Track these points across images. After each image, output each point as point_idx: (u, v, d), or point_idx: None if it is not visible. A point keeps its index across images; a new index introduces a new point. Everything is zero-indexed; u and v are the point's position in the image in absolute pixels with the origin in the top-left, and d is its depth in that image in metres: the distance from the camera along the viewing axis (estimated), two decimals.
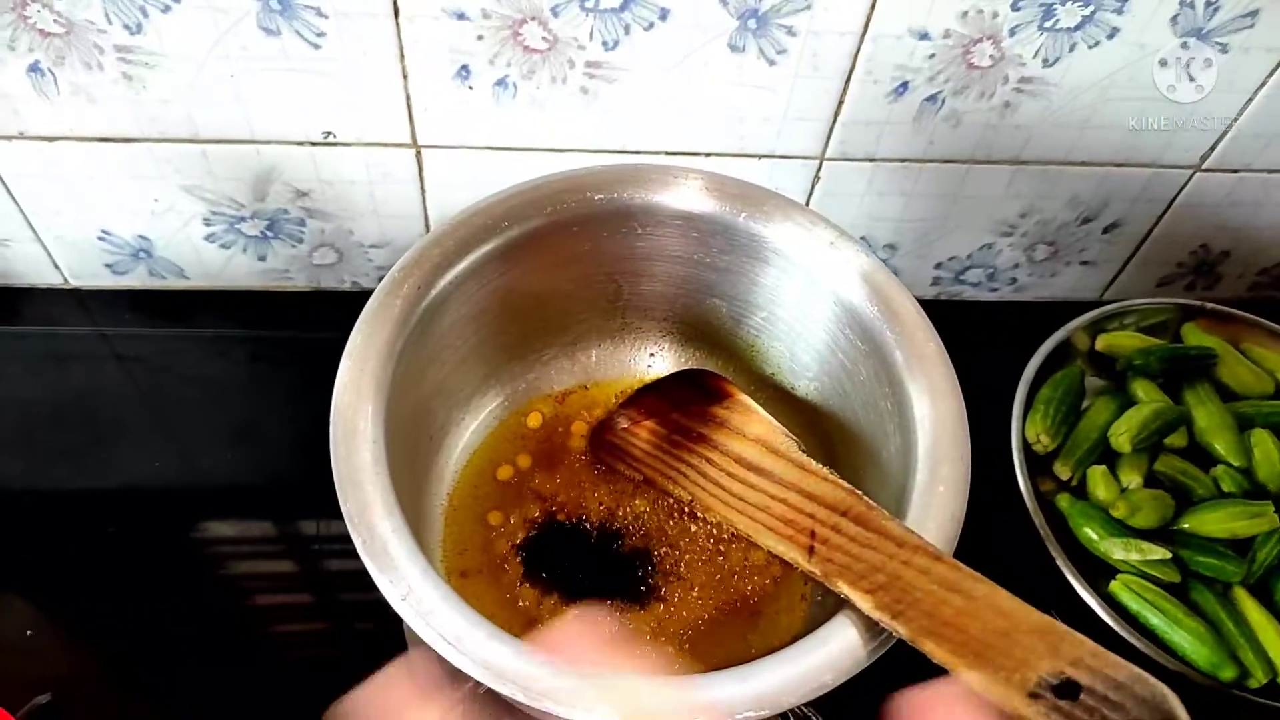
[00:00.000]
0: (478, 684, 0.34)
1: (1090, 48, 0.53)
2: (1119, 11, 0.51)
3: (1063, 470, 0.55)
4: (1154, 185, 0.62)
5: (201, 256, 0.63)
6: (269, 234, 0.62)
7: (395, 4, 0.49)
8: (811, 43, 0.52)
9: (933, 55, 0.53)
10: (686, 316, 0.54)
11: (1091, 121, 0.57)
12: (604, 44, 0.51)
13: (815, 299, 0.47)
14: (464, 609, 0.34)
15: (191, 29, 0.49)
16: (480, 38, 0.51)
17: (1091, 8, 0.51)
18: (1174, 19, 0.52)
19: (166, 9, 0.48)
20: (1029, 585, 0.54)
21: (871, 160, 0.59)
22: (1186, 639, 0.48)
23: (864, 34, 0.51)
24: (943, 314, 0.45)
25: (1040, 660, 0.29)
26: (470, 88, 0.53)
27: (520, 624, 0.46)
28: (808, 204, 0.62)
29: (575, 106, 0.55)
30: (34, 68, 0.51)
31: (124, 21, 0.49)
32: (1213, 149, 0.60)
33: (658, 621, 0.47)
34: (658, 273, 0.51)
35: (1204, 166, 0.61)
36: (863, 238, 0.63)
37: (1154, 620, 0.49)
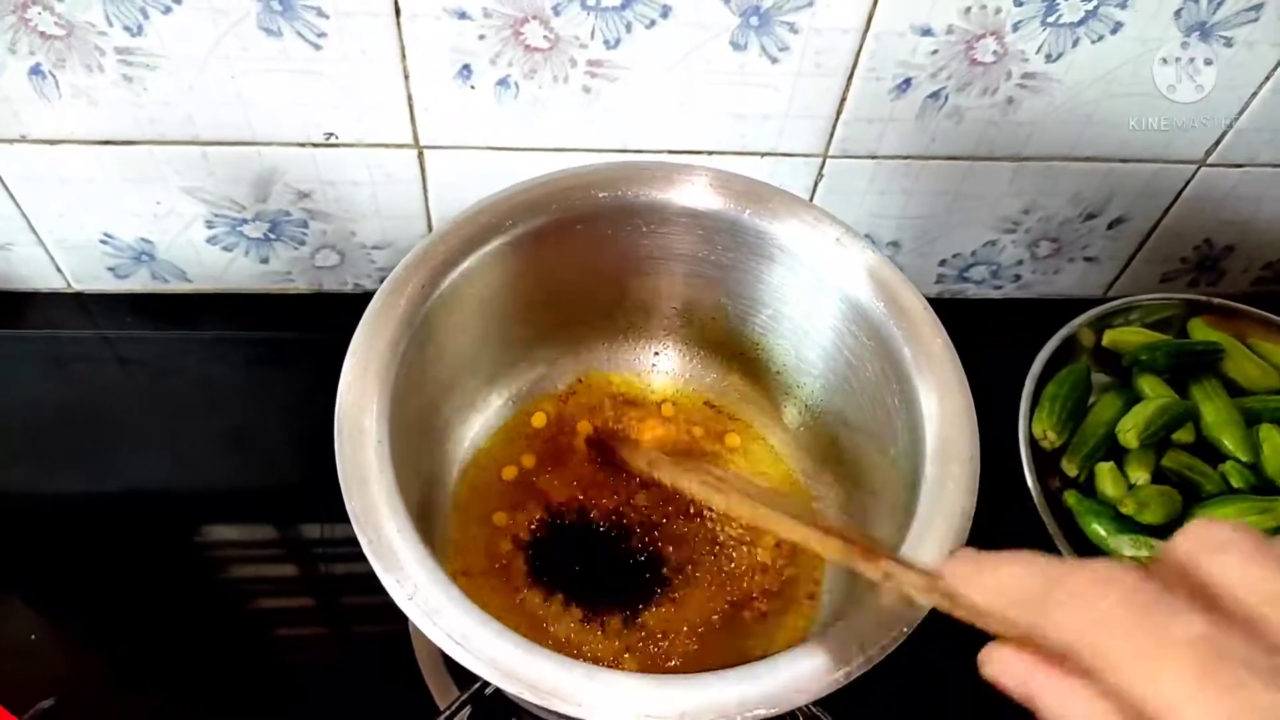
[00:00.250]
0: (485, 683, 0.34)
1: (1094, 42, 0.53)
2: (1122, 6, 0.51)
3: (1070, 467, 0.55)
4: (1158, 180, 0.62)
5: (203, 259, 0.63)
6: (271, 236, 0.62)
7: (396, 4, 0.49)
8: (814, 40, 0.52)
9: (935, 51, 0.53)
10: (692, 314, 0.54)
11: (1095, 117, 0.57)
12: (605, 42, 0.51)
13: (821, 296, 0.47)
14: (470, 608, 0.34)
15: (192, 30, 0.49)
16: (482, 37, 0.50)
17: (1095, 2, 0.51)
18: (1178, 13, 0.52)
19: (167, 10, 0.48)
20: None
21: (874, 158, 0.59)
22: None
23: (866, 30, 0.51)
24: (947, 312, 0.44)
25: None
26: (472, 87, 0.53)
27: (525, 624, 0.46)
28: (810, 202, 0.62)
29: (577, 105, 0.54)
30: (35, 70, 0.51)
31: (124, 23, 0.49)
32: (1217, 143, 0.60)
33: (664, 620, 0.47)
34: (663, 270, 0.51)
35: (1208, 161, 0.61)
36: (866, 235, 0.63)
37: None
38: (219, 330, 0.65)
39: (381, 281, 0.43)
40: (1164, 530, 0.52)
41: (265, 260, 0.64)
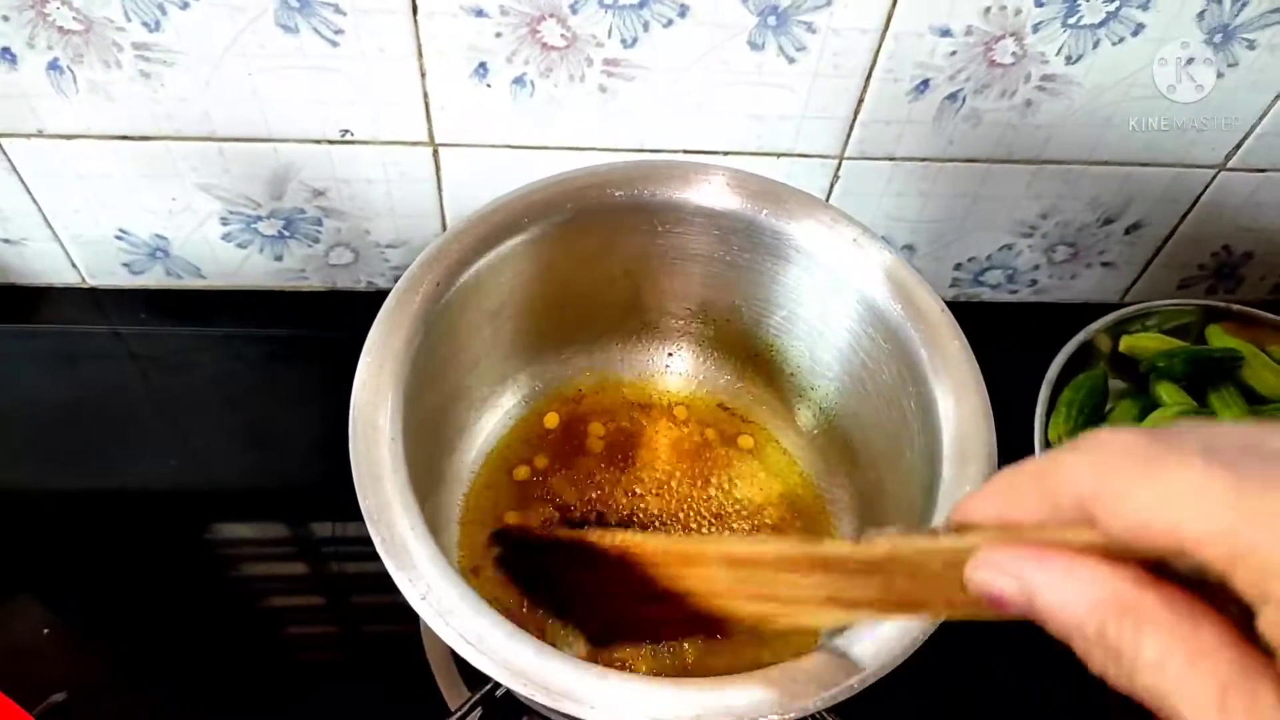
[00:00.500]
0: (497, 684, 0.33)
1: (1114, 44, 0.52)
2: (1144, 7, 0.51)
3: None
4: (1177, 185, 0.62)
5: (218, 256, 0.63)
6: (285, 233, 0.62)
7: (414, 1, 0.49)
8: (832, 40, 0.51)
9: (954, 53, 0.52)
10: (706, 315, 0.53)
11: (1114, 120, 0.57)
12: (623, 41, 0.51)
13: (838, 297, 0.47)
14: (484, 608, 0.34)
15: (210, 26, 0.49)
16: (499, 35, 0.50)
17: (1116, 3, 0.50)
18: (1200, 15, 0.51)
19: (185, 6, 0.48)
20: None
21: (891, 159, 0.59)
22: None
23: (885, 31, 0.51)
24: (962, 315, 0.44)
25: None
26: (488, 85, 0.53)
27: (536, 625, 0.46)
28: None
29: (593, 104, 0.54)
30: (53, 65, 0.51)
31: (142, 19, 0.49)
32: (1238, 147, 0.59)
33: None
34: (678, 271, 0.51)
35: (1228, 166, 0.60)
36: (881, 237, 0.62)
37: None
38: (232, 327, 0.65)
39: (395, 280, 0.43)
40: None
41: (279, 257, 0.64)
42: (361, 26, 0.49)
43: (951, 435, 0.40)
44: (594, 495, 0.50)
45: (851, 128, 0.56)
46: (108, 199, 0.59)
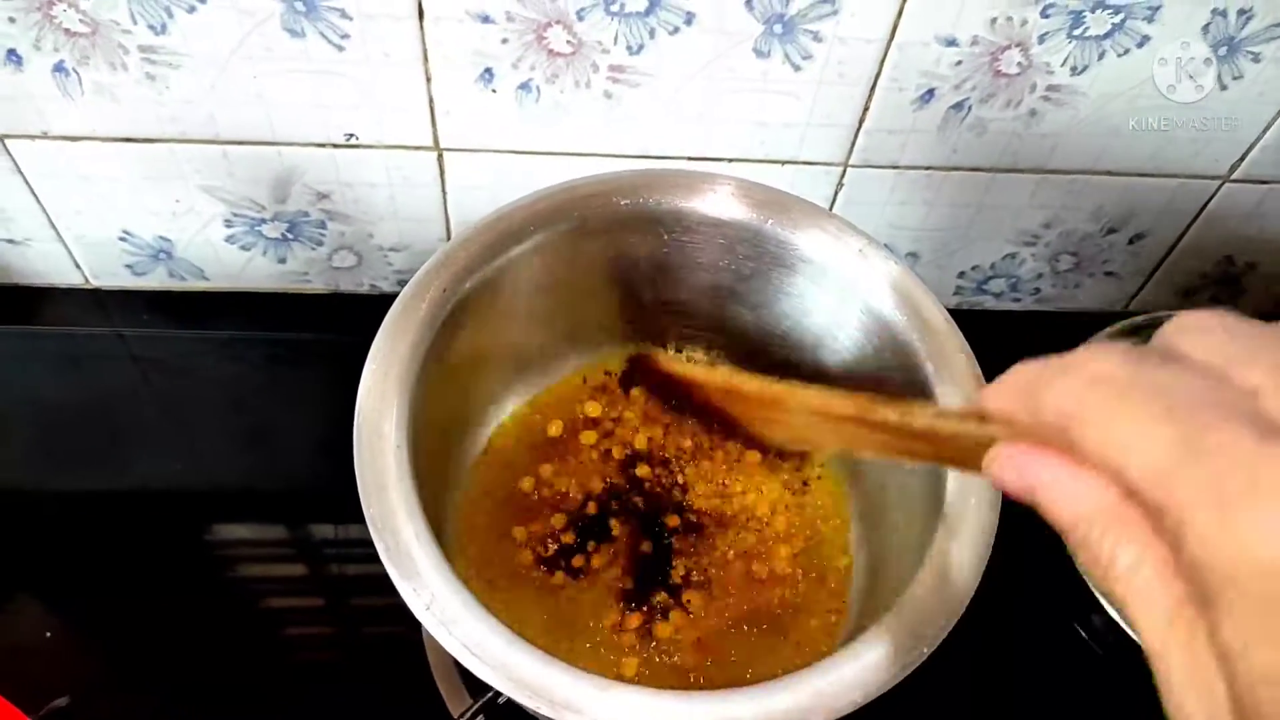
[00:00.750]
0: (499, 692, 0.33)
1: (1120, 55, 0.52)
2: (1150, 20, 0.51)
3: None
4: (1181, 196, 0.62)
5: (221, 258, 0.63)
6: (289, 236, 0.62)
7: (420, 6, 0.49)
8: (837, 49, 0.51)
9: (959, 62, 0.52)
10: (711, 325, 0.53)
11: (1119, 131, 0.57)
12: (628, 48, 0.51)
13: (843, 307, 0.47)
14: (487, 618, 0.34)
15: (216, 30, 0.49)
16: (504, 41, 0.50)
17: (1122, 15, 0.50)
18: (1205, 27, 0.51)
19: (192, 9, 0.48)
20: (1059, 599, 0.53)
21: (895, 168, 0.59)
22: None
23: (890, 40, 0.51)
24: (965, 324, 0.44)
25: None
26: (493, 91, 0.53)
27: (537, 633, 0.46)
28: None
29: (598, 111, 0.54)
30: (59, 67, 0.51)
31: (149, 21, 0.49)
32: (1242, 159, 0.59)
33: (684, 631, 0.46)
34: (683, 280, 0.51)
35: (1233, 177, 0.60)
36: (886, 247, 0.63)
37: None
38: (235, 329, 0.65)
39: (398, 283, 0.43)
40: None
41: (283, 260, 0.64)
42: (367, 31, 0.49)
43: None
44: (599, 502, 0.50)
45: (856, 136, 0.56)
46: (112, 200, 0.59)
